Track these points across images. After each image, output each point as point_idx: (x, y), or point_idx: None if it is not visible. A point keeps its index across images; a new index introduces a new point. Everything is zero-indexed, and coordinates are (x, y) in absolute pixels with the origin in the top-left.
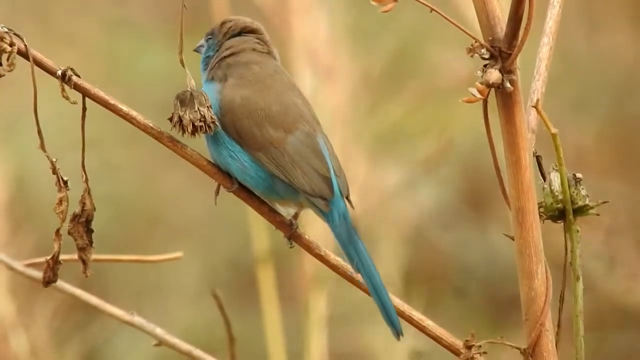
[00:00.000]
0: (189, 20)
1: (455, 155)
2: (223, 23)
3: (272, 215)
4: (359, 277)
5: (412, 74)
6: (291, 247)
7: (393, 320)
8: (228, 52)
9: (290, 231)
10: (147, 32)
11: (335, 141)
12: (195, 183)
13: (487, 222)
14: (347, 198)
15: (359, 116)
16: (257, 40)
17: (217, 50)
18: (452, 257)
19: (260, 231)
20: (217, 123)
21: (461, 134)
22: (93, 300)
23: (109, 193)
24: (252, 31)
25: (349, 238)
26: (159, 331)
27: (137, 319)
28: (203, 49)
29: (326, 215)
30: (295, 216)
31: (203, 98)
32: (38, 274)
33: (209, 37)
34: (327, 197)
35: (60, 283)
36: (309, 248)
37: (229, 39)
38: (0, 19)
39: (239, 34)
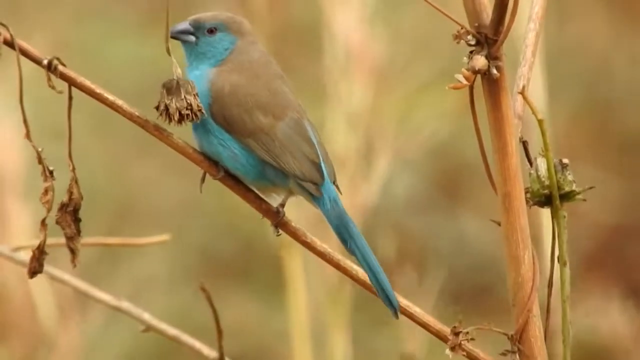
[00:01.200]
0: (168, 10)
1: (430, 143)
2: (234, 20)
3: (258, 202)
4: (353, 259)
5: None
6: (278, 235)
7: (391, 298)
8: (247, 48)
9: (278, 219)
10: (118, 20)
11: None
12: (167, 172)
13: (462, 209)
14: (335, 184)
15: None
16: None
17: (237, 46)
18: (427, 244)
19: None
20: (203, 111)
21: (436, 121)
22: (82, 286)
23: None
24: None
25: (341, 220)
26: (146, 316)
27: (125, 304)
28: (192, 38)
29: (317, 200)
30: (282, 204)
31: (189, 86)
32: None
33: (213, 29)
34: (317, 182)
35: (49, 269)
36: (296, 235)
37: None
38: None
39: None
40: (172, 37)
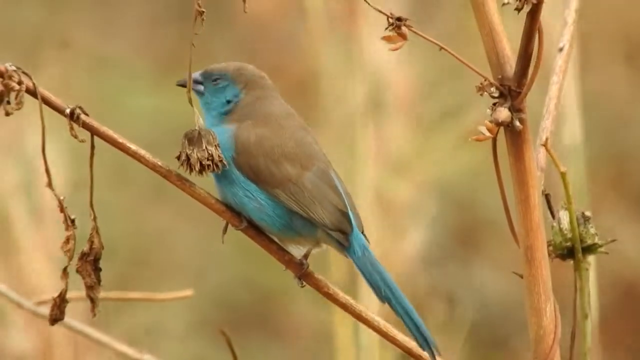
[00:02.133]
0: (182, 59)
1: (448, 194)
2: (239, 70)
3: (281, 253)
4: (373, 308)
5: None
6: (302, 287)
7: (428, 338)
8: (259, 102)
9: (302, 270)
10: (132, 71)
11: None
12: (185, 220)
13: (479, 260)
14: (363, 233)
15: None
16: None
17: (241, 99)
18: (445, 296)
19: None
20: (225, 162)
21: (454, 173)
22: (103, 338)
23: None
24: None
25: (373, 267)
26: None
27: (147, 357)
28: (201, 88)
29: (346, 249)
30: (306, 255)
31: (211, 137)
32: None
33: (217, 79)
34: (347, 231)
35: (69, 320)
36: (318, 287)
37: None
38: None
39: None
40: (186, 87)
